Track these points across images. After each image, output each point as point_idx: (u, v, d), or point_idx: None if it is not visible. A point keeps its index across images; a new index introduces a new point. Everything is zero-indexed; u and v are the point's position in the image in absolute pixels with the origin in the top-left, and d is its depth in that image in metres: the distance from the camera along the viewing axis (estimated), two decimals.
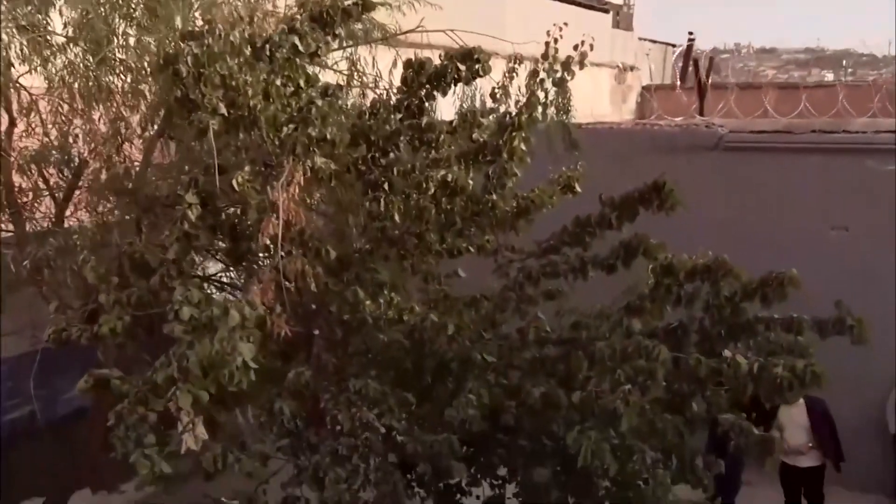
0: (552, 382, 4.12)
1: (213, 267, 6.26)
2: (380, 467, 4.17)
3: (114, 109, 5.78)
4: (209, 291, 4.57)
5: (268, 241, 4.05)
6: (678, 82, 17.49)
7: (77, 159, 5.82)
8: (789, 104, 14.61)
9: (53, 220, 5.98)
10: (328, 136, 4.10)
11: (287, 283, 4.11)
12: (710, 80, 15.29)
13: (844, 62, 28.99)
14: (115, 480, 8.41)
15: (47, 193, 5.92)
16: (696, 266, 3.91)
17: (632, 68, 17.82)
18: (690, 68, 15.81)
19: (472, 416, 3.95)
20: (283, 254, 4.09)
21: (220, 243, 4.92)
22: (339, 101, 4.36)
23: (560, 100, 6.88)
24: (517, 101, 4.44)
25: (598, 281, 4.66)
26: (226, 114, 3.90)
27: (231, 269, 6.01)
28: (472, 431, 4.18)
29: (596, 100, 14.97)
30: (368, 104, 4.74)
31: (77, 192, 5.95)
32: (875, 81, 15.79)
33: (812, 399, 7.20)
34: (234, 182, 4.04)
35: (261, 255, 4.64)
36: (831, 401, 7.38)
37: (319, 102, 4.06)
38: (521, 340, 4.44)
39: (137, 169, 5.90)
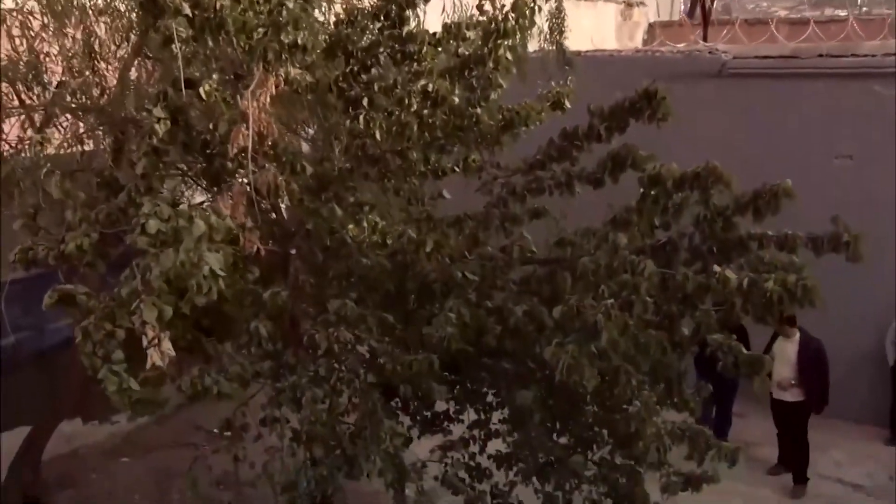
0: (535, 301, 3.97)
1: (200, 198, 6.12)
2: (359, 387, 4.06)
3: (87, 27, 5.56)
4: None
5: (238, 154, 3.88)
6: (686, 18, 17.01)
7: (50, 79, 5.62)
8: (798, 37, 14.18)
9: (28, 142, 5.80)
10: (300, 42, 3.88)
11: (259, 198, 3.95)
12: (716, 17, 14.90)
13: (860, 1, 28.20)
14: (106, 411, 8.42)
15: (21, 113, 5.74)
16: (685, 174, 3.72)
17: (639, 4, 17.26)
18: (698, 8, 15.46)
19: (450, 333, 3.82)
20: (254, 168, 3.93)
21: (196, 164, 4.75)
22: (313, 5, 4.12)
23: (554, 20, 6.63)
24: (503, 7, 4.19)
25: (591, 206, 4.48)
26: (190, 15, 3.67)
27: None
28: (453, 351, 4.06)
29: (601, 36, 14.52)
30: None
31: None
32: (889, 16, 15.28)
33: (808, 338, 7.23)
34: (201, 91, 3.85)
35: (236, 174, 4.48)
36: (830, 332, 7.28)
37: (290, 5, 3.83)
38: (505, 260, 4.29)
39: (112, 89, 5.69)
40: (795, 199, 3.73)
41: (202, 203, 6.03)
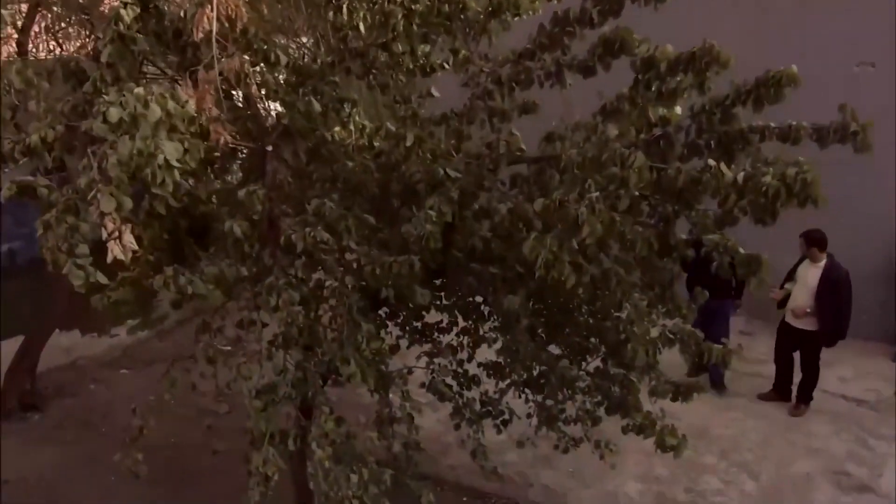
0: (520, 198, 3.77)
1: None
2: (337, 290, 3.91)
3: None
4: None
5: (204, 39, 3.64)
6: None
7: None
8: None
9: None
10: None
11: (227, 87, 3.73)
12: None
13: None
14: (105, 324, 8.44)
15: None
16: (679, 56, 3.44)
17: None
18: None
19: (429, 231, 3.64)
20: (221, 56, 3.69)
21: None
22: None
23: None
24: None
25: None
26: None
27: None
28: (435, 253, 3.89)
29: None
30: None
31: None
32: None
33: (835, 266, 6.93)
34: None
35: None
36: (838, 247, 7.03)
37: None
38: (491, 158, 4.06)
39: None
40: (801, 85, 3.45)
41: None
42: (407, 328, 5.36)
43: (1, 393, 7.11)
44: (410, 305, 4.95)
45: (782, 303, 7.30)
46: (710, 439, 7.15)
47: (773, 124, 3.63)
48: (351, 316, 3.89)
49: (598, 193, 3.18)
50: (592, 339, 4.78)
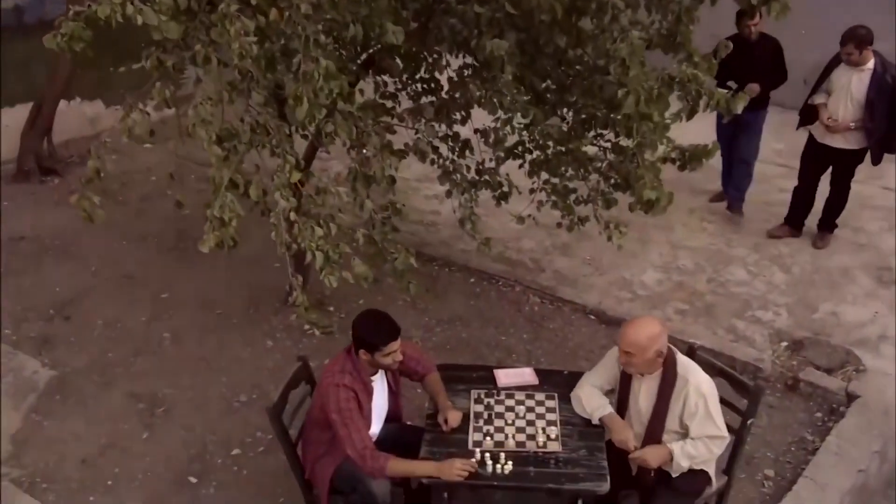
0: None
1: None
2: (293, 18, 3.47)
3: None
4: None
5: None
6: None
7: None
8: None
9: None
10: None
11: None
12: None
13: None
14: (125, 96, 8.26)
15: None
16: None
17: None
18: None
19: None
20: None
21: None
22: None
23: None
24: None
25: None
26: None
27: None
28: None
29: None
30: None
31: None
32: None
33: (885, 64, 5.65)
34: None
35: None
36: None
37: None
38: None
39: None
40: None
41: None
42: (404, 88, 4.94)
43: (19, 156, 7.14)
44: (397, 59, 4.49)
45: (806, 119, 6.18)
46: (743, 233, 6.69)
47: None
48: (307, 49, 3.46)
49: None
50: (596, 108, 4.27)
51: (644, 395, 3.41)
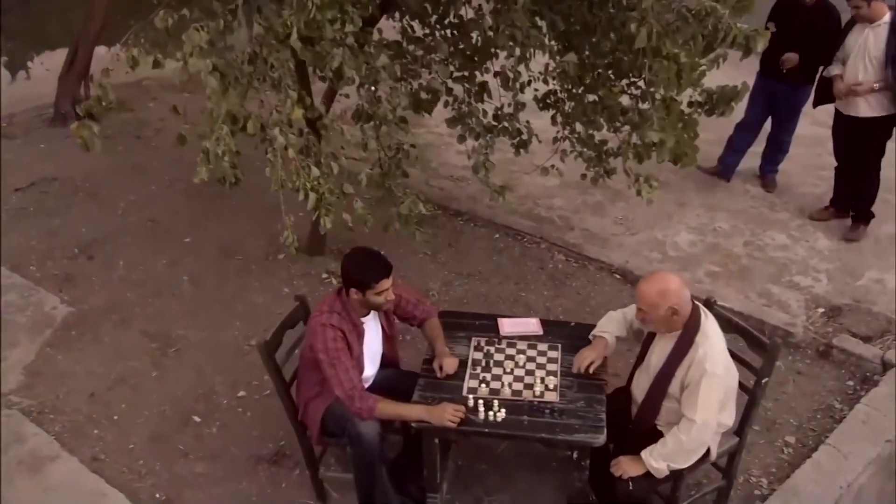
0: None
1: None
2: None
3: None
4: None
5: None
6: None
7: None
8: None
9: None
10: None
11: None
12: None
13: None
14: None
15: None
16: None
17: None
18: None
19: None
20: None
21: None
22: None
23: None
24: None
25: None
26: None
27: None
28: None
29: None
30: None
31: None
32: None
33: None
34: None
35: None
36: None
37: None
38: None
39: None
40: None
41: None
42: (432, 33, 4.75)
43: (56, 100, 7.23)
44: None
45: (823, 96, 5.60)
46: (787, 196, 6.35)
47: None
48: None
49: None
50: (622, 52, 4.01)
51: (658, 352, 3.22)
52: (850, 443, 3.77)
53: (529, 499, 3.72)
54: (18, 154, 6.91)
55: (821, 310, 4.98)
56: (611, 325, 3.45)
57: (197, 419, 4.25)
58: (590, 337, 3.46)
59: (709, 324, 3.11)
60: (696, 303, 3.15)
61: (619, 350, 3.66)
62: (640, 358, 3.34)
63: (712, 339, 3.07)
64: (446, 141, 7.16)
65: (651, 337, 3.29)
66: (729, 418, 3.21)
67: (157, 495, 3.80)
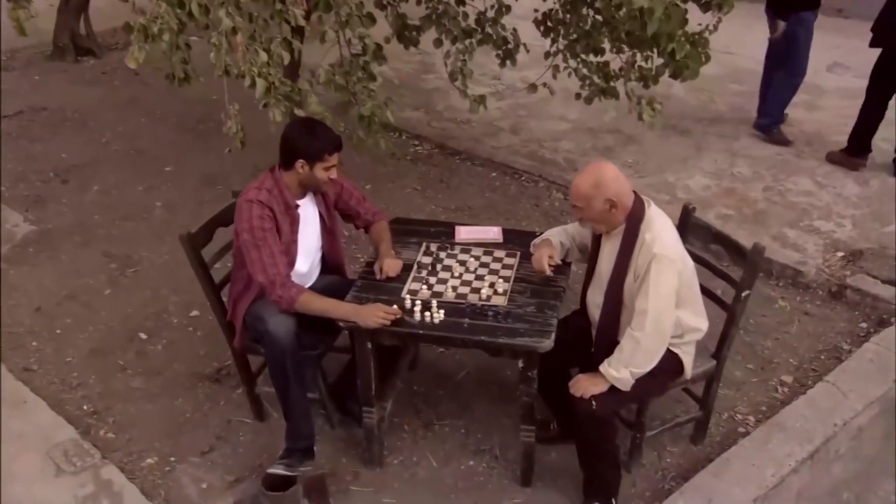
0: None
1: None
2: None
3: None
4: None
5: None
6: None
7: None
8: None
9: None
10: None
11: None
12: None
13: None
14: None
15: None
16: None
17: None
18: None
19: None
20: None
21: None
22: None
23: None
24: None
25: None
26: None
27: None
28: None
29: None
30: None
31: None
32: None
33: None
34: None
35: None
36: None
37: None
38: None
39: None
40: None
41: None
42: None
43: (54, 32, 7.10)
44: None
45: (882, 36, 5.10)
46: (817, 144, 5.80)
47: None
48: None
49: None
50: None
51: (606, 256, 2.79)
52: (851, 381, 3.28)
53: (484, 428, 3.34)
54: (13, 85, 6.78)
55: (840, 254, 4.47)
56: (553, 232, 3.06)
57: (143, 336, 3.98)
58: (532, 245, 3.05)
59: (653, 211, 2.68)
60: (638, 194, 2.72)
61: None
62: (590, 271, 2.91)
63: (659, 223, 2.65)
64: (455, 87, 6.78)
65: (597, 246, 2.86)
66: (695, 320, 2.76)
67: (85, 407, 3.53)
